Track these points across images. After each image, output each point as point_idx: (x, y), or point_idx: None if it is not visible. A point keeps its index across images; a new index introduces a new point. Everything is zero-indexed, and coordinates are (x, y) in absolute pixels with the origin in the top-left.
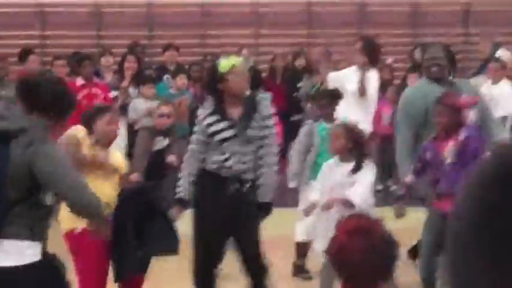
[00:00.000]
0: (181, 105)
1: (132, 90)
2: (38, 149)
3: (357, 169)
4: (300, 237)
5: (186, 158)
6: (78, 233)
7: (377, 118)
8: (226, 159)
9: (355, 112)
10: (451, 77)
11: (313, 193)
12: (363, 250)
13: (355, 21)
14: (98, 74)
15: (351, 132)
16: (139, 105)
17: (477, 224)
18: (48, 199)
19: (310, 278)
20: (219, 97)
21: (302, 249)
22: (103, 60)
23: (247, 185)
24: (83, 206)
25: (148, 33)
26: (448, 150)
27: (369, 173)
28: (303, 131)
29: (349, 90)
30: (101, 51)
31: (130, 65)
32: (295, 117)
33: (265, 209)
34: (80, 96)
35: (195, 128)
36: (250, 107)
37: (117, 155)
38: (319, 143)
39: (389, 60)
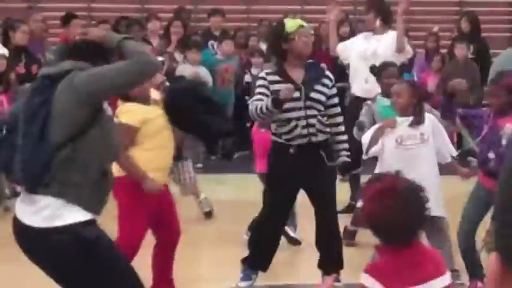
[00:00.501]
0: (228, 71)
1: (177, 56)
2: (78, 74)
3: (418, 122)
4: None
5: (251, 109)
6: (127, 180)
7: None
8: (294, 127)
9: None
10: None
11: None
12: (392, 209)
13: None
14: (144, 39)
15: (413, 87)
16: (185, 70)
17: None
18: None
19: (353, 245)
20: (282, 57)
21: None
22: (149, 25)
23: (321, 149)
24: (139, 65)
25: None
26: (505, 131)
27: (440, 126)
28: (363, 111)
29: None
30: (147, 16)
31: (176, 30)
32: (340, 84)
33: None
34: None
35: (258, 83)
36: (315, 70)
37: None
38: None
39: (435, 28)
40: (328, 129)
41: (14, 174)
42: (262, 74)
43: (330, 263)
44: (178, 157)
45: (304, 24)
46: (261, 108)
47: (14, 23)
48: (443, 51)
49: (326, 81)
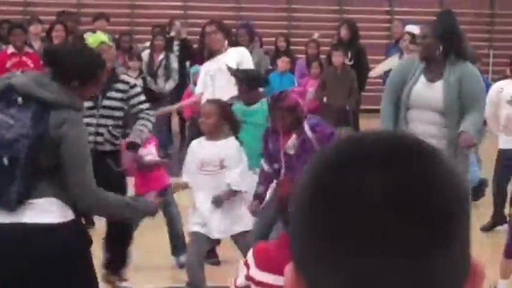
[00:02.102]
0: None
1: None
2: (68, 131)
3: (227, 147)
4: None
5: None
6: None
7: (302, 93)
8: None
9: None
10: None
11: (184, 175)
12: None
13: None
14: (26, 42)
15: (222, 109)
16: None
17: (292, 214)
18: None
19: (218, 263)
20: None
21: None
22: (31, 28)
23: (107, 158)
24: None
25: (78, 2)
26: (290, 143)
27: (239, 152)
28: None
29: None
30: (29, 19)
31: (59, 33)
32: None
33: (133, 148)
34: (8, 65)
35: None
36: (109, 78)
37: None
38: None
39: (315, 35)
40: (118, 142)
41: None
42: None
43: (117, 262)
44: None
45: (105, 40)
46: None
47: None
48: (324, 57)
49: (119, 86)
